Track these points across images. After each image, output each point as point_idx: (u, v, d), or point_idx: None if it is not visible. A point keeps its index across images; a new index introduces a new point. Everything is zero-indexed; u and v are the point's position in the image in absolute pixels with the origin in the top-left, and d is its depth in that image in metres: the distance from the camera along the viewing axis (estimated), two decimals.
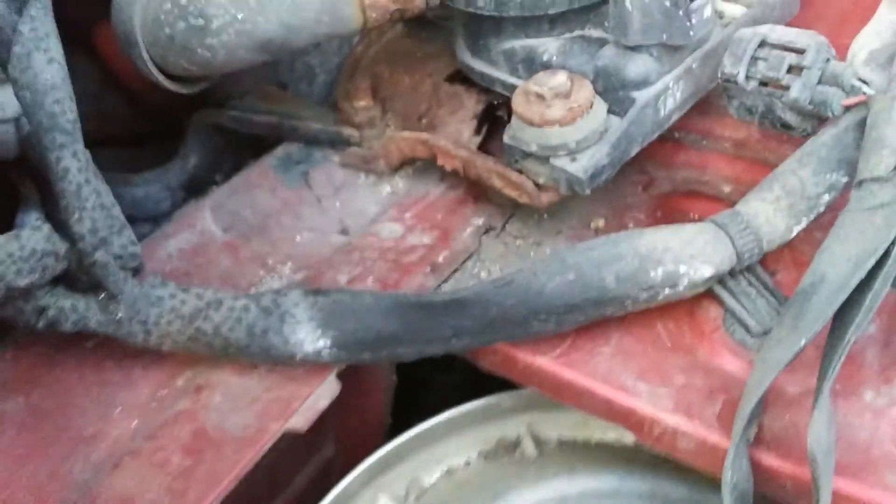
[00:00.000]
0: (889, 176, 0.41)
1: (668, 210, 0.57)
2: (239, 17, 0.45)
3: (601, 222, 0.56)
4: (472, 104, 0.58)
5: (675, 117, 0.52)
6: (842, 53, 0.50)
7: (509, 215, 0.56)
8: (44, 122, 0.43)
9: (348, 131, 0.60)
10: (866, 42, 0.49)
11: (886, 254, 0.39)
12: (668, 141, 0.63)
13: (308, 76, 0.73)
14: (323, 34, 0.48)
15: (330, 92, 0.70)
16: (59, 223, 0.46)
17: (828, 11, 0.65)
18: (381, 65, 0.64)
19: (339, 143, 0.60)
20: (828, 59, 0.46)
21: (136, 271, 0.46)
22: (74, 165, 0.43)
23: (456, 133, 0.57)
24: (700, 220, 0.50)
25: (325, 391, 0.46)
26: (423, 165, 0.59)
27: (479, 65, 0.56)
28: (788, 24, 0.61)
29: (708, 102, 0.57)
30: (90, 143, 0.47)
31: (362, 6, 0.47)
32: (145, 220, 0.63)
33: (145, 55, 0.49)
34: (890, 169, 0.41)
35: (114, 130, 0.85)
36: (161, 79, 0.50)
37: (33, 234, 0.41)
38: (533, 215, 0.56)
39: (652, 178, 0.62)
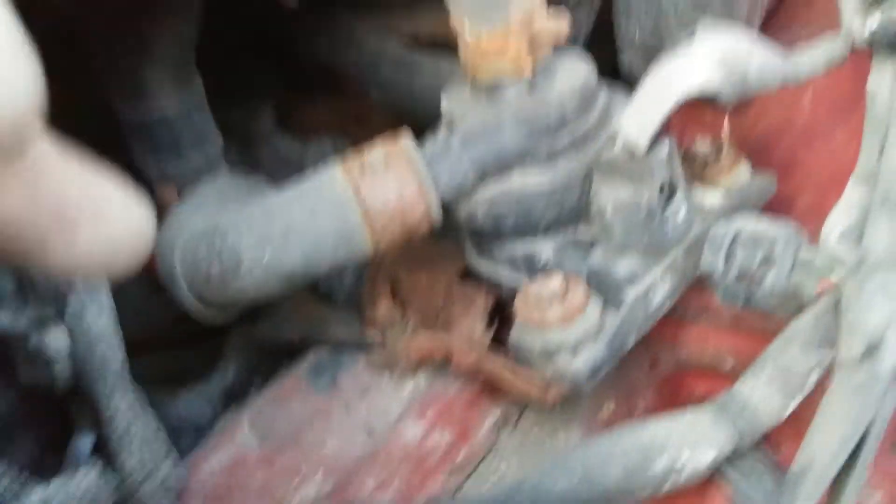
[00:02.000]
0: (863, 359, 0.44)
1: (675, 389, 0.61)
2: (266, 257, 0.52)
3: (612, 405, 0.59)
4: (482, 301, 0.63)
5: (667, 305, 0.57)
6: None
7: (524, 407, 0.59)
8: (96, 366, 0.48)
9: (372, 334, 0.65)
10: (837, 221, 0.54)
11: (867, 433, 0.42)
12: (671, 317, 0.67)
13: (338, 272, 0.79)
14: (341, 261, 0.54)
15: (358, 283, 0.76)
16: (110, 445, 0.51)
17: (808, 182, 0.70)
18: (400, 267, 0.70)
19: (364, 345, 0.65)
20: (799, 247, 0.50)
21: (181, 491, 0.50)
22: (123, 405, 0.48)
23: (469, 330, 0.62)
24: (705, 397, 0.53)
25: None
26: (442, 362, 0.64)
27: (484, 266, 0.62)
28: (769, 202, 0.66)
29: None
30: (132, 350, 0.52)
31: (374, 236, 0.53)
32: (188, 430, 0.68)
33: (186, 292, 0.55)
34: (862, 352, 0.44)
35: (156, 335, 0.92)
36: (202, 311, 0.56)
37: (87, 473, 0.45)
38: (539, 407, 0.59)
39: (657, 357, 0.65)
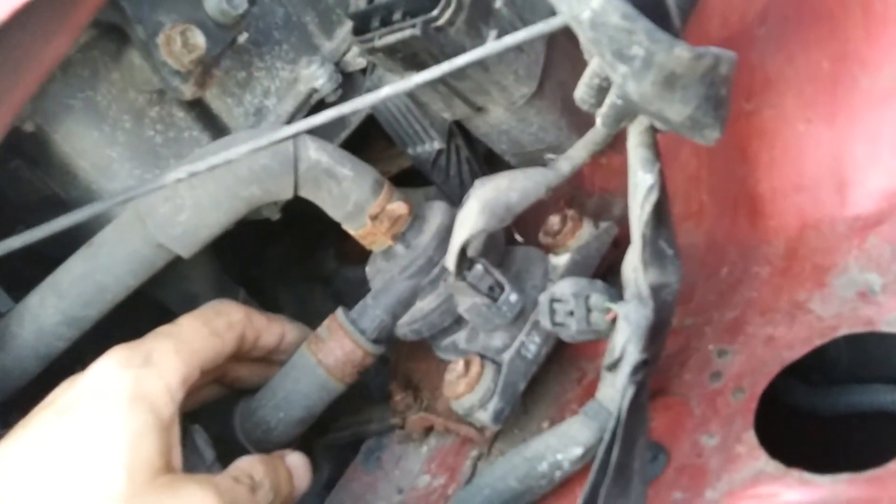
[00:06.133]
0: (612, 368, 0.67)
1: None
2: (282, 415, 0.83)
3: (546, 423, 0.84)
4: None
5: (544, 351, 0.81)
6: None
7: (491, 444, 0.86)
8: None
9: (395, 420, 0.94)
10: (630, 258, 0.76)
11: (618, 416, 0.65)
12: None
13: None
14: (327, 401, 0.84)
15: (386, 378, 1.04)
16: None
17: None
18: (410, 361, 0.99)
19: (393, 429, 0.95)
20: (587, 296, 0.73)
21: None
22: None
23: (447, 400, 0.89)
24: None
25: None
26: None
27: (441, 354, 0.89)
28: None
29: None
30: None
31: (340, 379, 0.83)
32: None
33: (242, 438, 0.87)
34: (611, 363, 0.67)
35: None
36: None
37: None
38: (504, 436, 0.85)
39: (584, 371, 0.89)
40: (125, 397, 0.62)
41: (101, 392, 0.64)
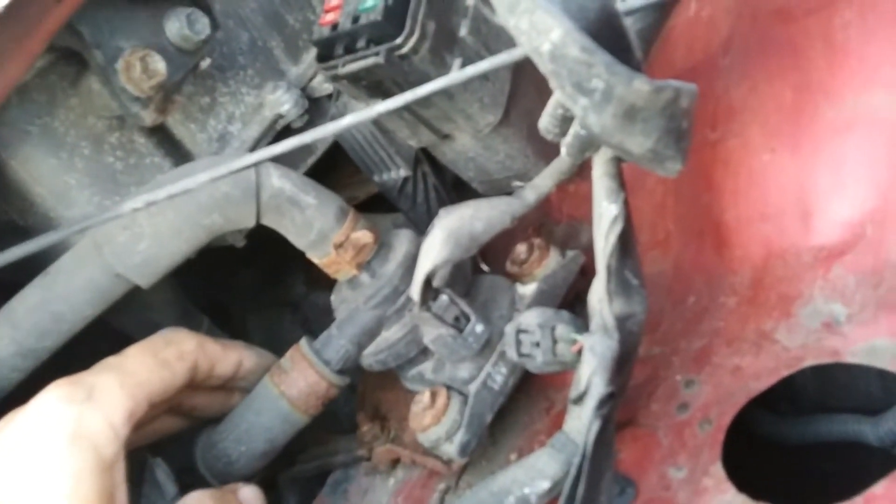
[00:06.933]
0: (578, 401, 0.66)
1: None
2: (244, 448, 0.81)
3: (514, 455, 0.83)
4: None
5: (511, 382, 0.80)
6: None
7: (459, 476, 0.84)
8: None
9: (361, 452, 0.92)
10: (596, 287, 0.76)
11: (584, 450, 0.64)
12: None
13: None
14: (291, 435, 0.82)
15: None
16: None
17: None
18: (377, 391, 0.97)
19: (360, 460, 0.93)
20: (553, 327, 0.73)
21: None
22: None
23: (412, 432, 0.88)
24: None
25: None
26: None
27: (408, 384, 0.88)
28: None
29: None
30: None
31: (304, 412, 0.81)
32: None
33: (204, 471, 0.84)
34: (577, 396, 0.66)
35: None
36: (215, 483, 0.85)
37: None
38: (472, 468, 0.84)
39: (553, 401, 0.88)
40: (65, 436, 0.60)
41: (41, 430, 0.61)
